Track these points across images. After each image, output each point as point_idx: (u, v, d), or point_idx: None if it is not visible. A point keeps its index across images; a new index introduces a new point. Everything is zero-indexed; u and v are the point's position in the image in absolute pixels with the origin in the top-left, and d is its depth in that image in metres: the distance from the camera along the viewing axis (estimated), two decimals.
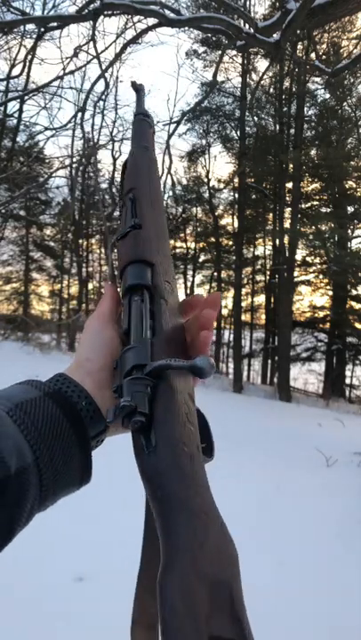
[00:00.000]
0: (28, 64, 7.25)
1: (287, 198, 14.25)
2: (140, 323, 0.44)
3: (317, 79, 12.42)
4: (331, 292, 16.23)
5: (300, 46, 10.25)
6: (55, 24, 4.56)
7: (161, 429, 0.35)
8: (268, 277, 17.97)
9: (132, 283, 0.47)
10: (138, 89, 0.73)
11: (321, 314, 16.52)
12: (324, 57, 11.06)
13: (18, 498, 0.34)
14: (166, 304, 0.46)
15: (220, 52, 9.17)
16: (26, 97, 8.55)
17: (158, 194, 0.58)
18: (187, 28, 5.74)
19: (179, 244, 19.92)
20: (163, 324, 0.44)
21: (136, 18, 5.38)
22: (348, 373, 16.31)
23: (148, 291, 0.47)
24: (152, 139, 0.67)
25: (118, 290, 0.52)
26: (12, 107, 11.49)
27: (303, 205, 15.28)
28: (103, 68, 4.97)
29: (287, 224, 13.73)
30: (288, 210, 13.98)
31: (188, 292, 19.56)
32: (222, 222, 18.69)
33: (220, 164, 42.56)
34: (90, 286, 19.22)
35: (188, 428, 0.36)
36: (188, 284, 19.81)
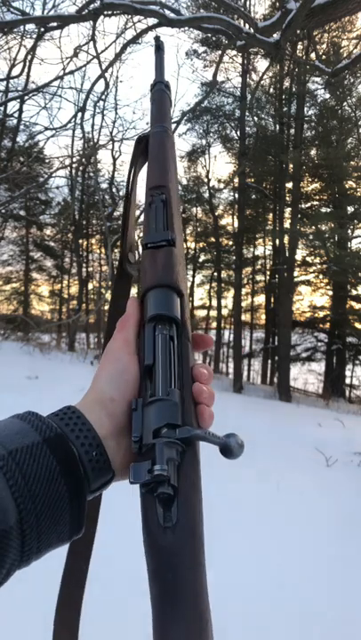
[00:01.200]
0: (28, 64, 7.26)
1: (287, 198, 14.25)
2: (169, 367, 0.40)
3: (317, 79, 12.43)
4: (331, 292, 16.23)
5: (300, 46, 10.25)
6: (55, 24, 4.56)
7: (185, 508, 0.33)
8: (268, 277, 17.97)
9: (162, 313, 0.42)
10: (159, 46, 0.63)
11: (321, 314, 16.52)
12: (324, 57, 11.06)
13: None
14: (190, 345, 0.43)
15: (220, 51, 9.18)
16: (26, 97, 8.54)
17: (178, 199, 0.53)
18: (187, 28, 5.74)
19: None
20: (188, 372, 0.41)
21: (136, 18, 5.38)
22: (348, 373, 16.31)
23: (175, 326, 0.43)
24: (170, 116, 0.59)
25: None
26: (12, 107, 11.47)
27: (303, 205, 15.29)
28: (103, 67, 4.98)
29: (287, 224, 13.73)
30: (288, 210, 13.99)
31: (188, 291, 19.55)
32: (222, 222, 18.73)
33: (220, 164, 42.54)
34: (90, 286, 19.23)
35: (201, 506, 0.35)
36: (189, 284, 19.80)
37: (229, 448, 0.36)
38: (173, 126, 5.77)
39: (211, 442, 0.36)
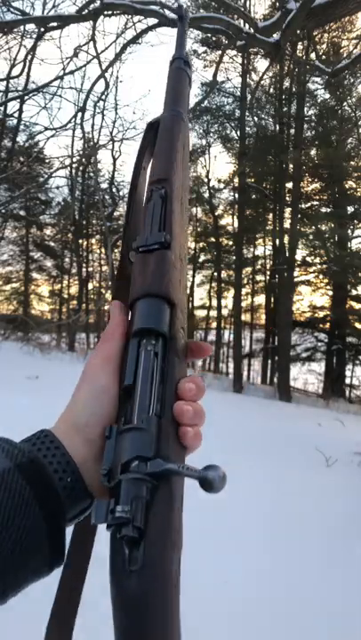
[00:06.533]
0: (28, 64, 7.27)
1: (287, 198, 14.26)
2: (149, 389, 0.36)
3: (317, 79, 12.43)
4: (331, 292, 16.24)
5: (300, 46, 10.25)
6: (55, 24, 4.55)
7: (152, 551, 0.30)
8: (268, 277, 17.98)
9: (147, 326, 0.38)
10: (182, 15, 0.57)
11: (321, 314, 16.53)
12: (324, 57, 11.06)
13: None
14: (179, 361, 0.39)
15: (220, 51, 9.17)
16: (26, 97, 8.55)
17: (187, 190, 0.48)
18: (187, 28, 5.74)
19: None
20: (171, 392, 0.37)
21: (136, 18, 5.38)
22: (348, 373, 16.31)
23: (163, 340, 0.38)
24: (188, 99, 0.53)
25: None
26: (12, 107, 11.47)
27: (303, 205, 15.29)
28: (103, 68, 4.98)
29: (287, 224, 13.74)
30: (288, 210, 13.99)
31: (188, 291, 19.57)
32: (222, 222, 18.74)
33: (220, 164, 42.63)
34: (90, 286, 19.24)
35: (177, 546, 0.32)
36: (189, 283, 19.81)
37: (209, 482, 0.32)
38: None
39: (186, 476, 0.33)
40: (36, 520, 0.32)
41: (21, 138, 14.42)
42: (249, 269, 17.95)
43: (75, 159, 10.47)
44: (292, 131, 14.21)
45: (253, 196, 16.04)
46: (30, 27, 5.77)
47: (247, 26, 4.15)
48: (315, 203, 16.23)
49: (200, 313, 20.86)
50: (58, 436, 0.36)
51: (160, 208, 0.43)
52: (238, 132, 15.53)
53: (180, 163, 0.47)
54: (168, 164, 0.46)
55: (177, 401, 0.37)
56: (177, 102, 0.51)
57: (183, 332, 0.41)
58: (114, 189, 16.37)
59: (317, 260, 15.77)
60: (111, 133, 13.31)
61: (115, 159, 15.54)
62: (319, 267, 15.99)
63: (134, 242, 0.43)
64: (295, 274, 14.47)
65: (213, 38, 11.82)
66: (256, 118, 15.05)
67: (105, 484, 0.34)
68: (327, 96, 14.11)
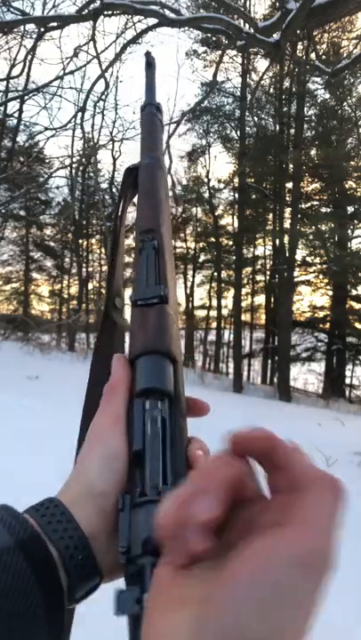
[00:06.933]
0: (28, 64, 7.28)
1: (287, 198, 14.26)
2: (161, 456, 0.34)
3: (317, 79, 12.44)
4: (331, 292, 16.25)
5: (300, 46, 10.26)
6: (55, 24, 4.56)
7: None
8: (268, 277, 17.99)
9: (151, 386, 0.37)
10: (150, 62, 0.59)
11: (321, 314, 16.53)
12: (324, 57, 11.06)
13: None
14: (183, 421, 0.37)
15: (220, 51, 9.18)
16: (26, 97, 8.56)
17: (171, 240, 0.47)
18: (187, 28, 5.75)
19: (179, 243, 19.94)
20: (182, 459, 0.35)
21: (136, 18, 5.39)
22: (348, 373, 16.31)
23: (169, 400, 0.37)
24: (162, 144, 0.55)
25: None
26: (12, 107, 11.48)
27: (303, 205, 15.30)
28: (103, 68, 4.98)
29: (287, 224, 13.74)
30: (288, 210, 14.00)
31: (188, 291, 19.58)
32: (222, 222, 18.74)
33: (220, 164, 42.62)
34: (90, 286, 19.25)
35: None
36: (188, 283, 19.82)
37: None
38: (173, 126, 5.77)
39: None
40: (35, 606, 0.28)
41: (21, 138, 14.43)
42: (249, 269, 17.96)
43: (75, 159, 10.47)
44: (292, 131, 14.22)
45: (253, 196, 16.04)
46: (30, 27, 5.78)
47: (247, 26, 4.16)
48: (315, 203, 16.25)
49: (200, 313, 20.89)
50: (67, 505, 0.33)
51: (154, 259, 0.43)
52: (238, 132, 15.54)
53: (165, 212, 0.47)
54: (155, 214, 0.46)
55: (189, 469, 0.35)
56: (153, 149, 0.52)
57: (183, 389, 0.39)
58: (114, 189, 16.37)
59: (317, 259, 15.79)
60: (111, 133, 13.32)
61: (115, 159, 15.54)
62: (319, 267, 16.00)
63: (131, 294, 0.42)
64: (295, 274, 14.47)
65: (213, 38, 11.83)
66: (256, 118, 15.07)
67: (122, 562, 0.31)
68: (327, 96, 14.13)
